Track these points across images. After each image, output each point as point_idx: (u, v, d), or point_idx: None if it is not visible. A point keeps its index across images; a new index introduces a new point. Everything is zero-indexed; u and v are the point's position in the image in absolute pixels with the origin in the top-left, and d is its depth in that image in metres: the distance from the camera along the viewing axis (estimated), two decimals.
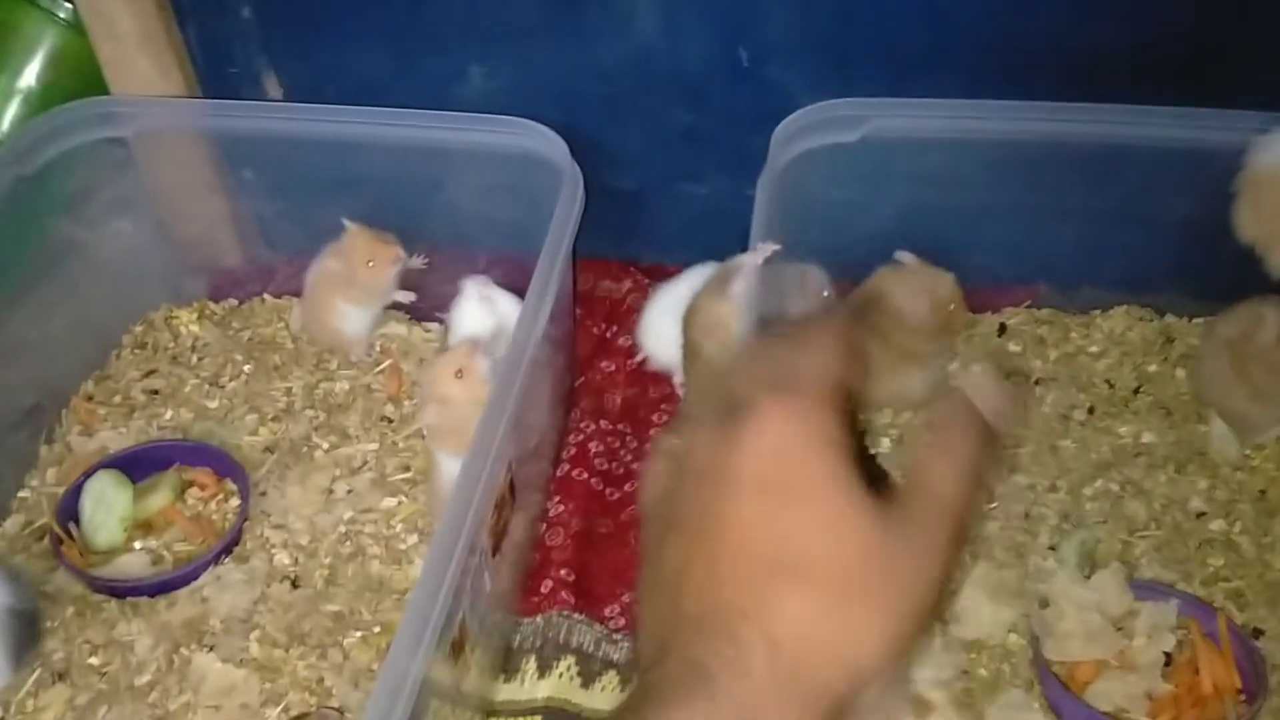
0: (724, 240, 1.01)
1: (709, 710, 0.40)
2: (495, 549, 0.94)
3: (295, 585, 1.03)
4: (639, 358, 1.21)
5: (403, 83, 1.17)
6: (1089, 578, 0.99)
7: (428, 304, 1.23)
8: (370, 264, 1.15)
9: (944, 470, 0.45)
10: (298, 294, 1.23)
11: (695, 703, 0.40)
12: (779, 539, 0.42)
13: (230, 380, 1.22)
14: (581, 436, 1.17)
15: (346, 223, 1.16)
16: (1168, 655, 0.94)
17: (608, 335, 1.26)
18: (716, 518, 0.43)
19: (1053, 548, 1.03)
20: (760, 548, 0.42)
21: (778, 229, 1.05)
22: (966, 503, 0.45)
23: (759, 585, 0.41)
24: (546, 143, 1.06)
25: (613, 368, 1.24)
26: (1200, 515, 1.05)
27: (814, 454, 0.42)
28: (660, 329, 1.15)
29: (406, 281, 1.19)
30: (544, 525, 1.10)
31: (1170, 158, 1.04)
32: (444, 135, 1.10)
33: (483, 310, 1.08)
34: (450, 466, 0.99)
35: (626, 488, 1.13)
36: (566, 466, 1.14)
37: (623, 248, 1.28)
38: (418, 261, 1.17)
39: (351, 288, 1.17)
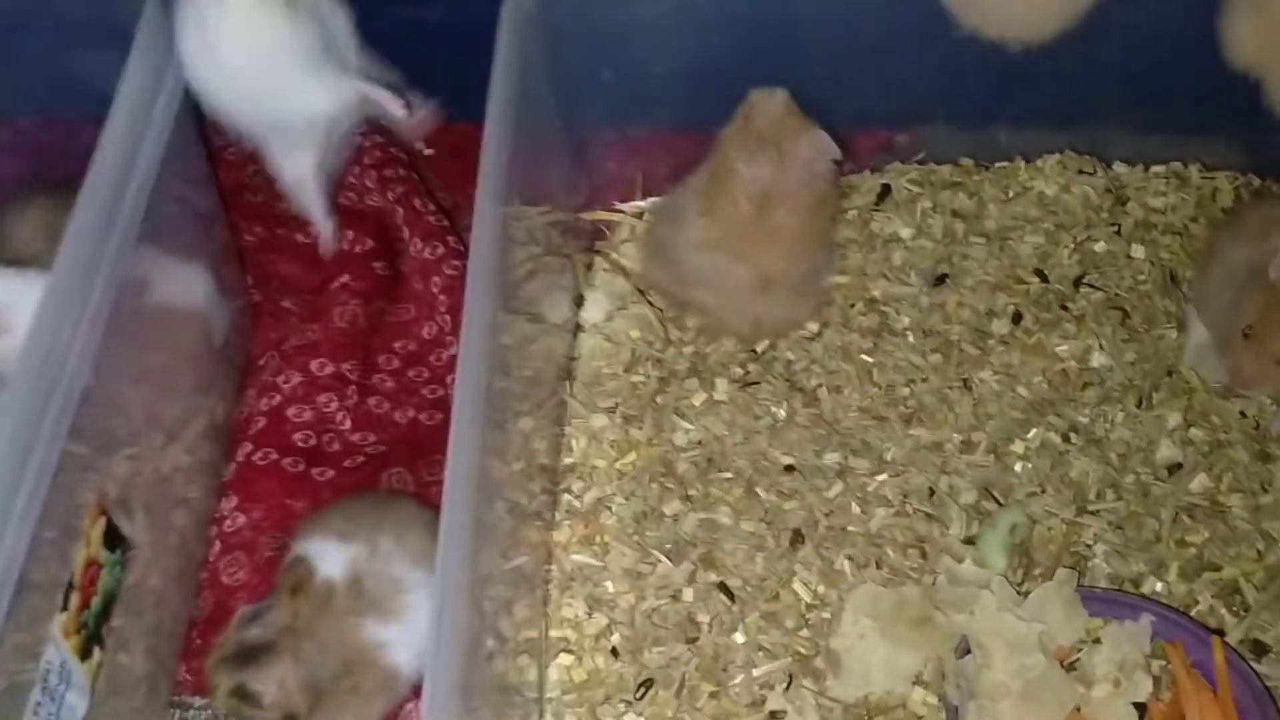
0: (474, 82, 0.67)
1: None
2: (88, 649, 0.58)
3: None
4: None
5: None
6: (1023, 588, 0.68)
7: None
8: None
9: None
10: None
11: None
12: None
13: None
14: (277, 398, 0.79)
15: None
16: (1141, 706, 0.64)
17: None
18: None
19: (970, 540, 0.71)
20: None
21: (541, 76, 0.69)
22: None
23: None
24: None
25: (346, 278, 0.85)
26: (1174, 469, 0.74)
27: None
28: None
29: None
30: (214, 550, 0.75)
31: None
32: None
33: None
34: None
35: (348, 462, 0.78)
36: (249, 448, 0.78)
37: None
38: None
39: None
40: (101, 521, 0.61)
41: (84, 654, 0.60)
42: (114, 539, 0.62)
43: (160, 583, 0.69)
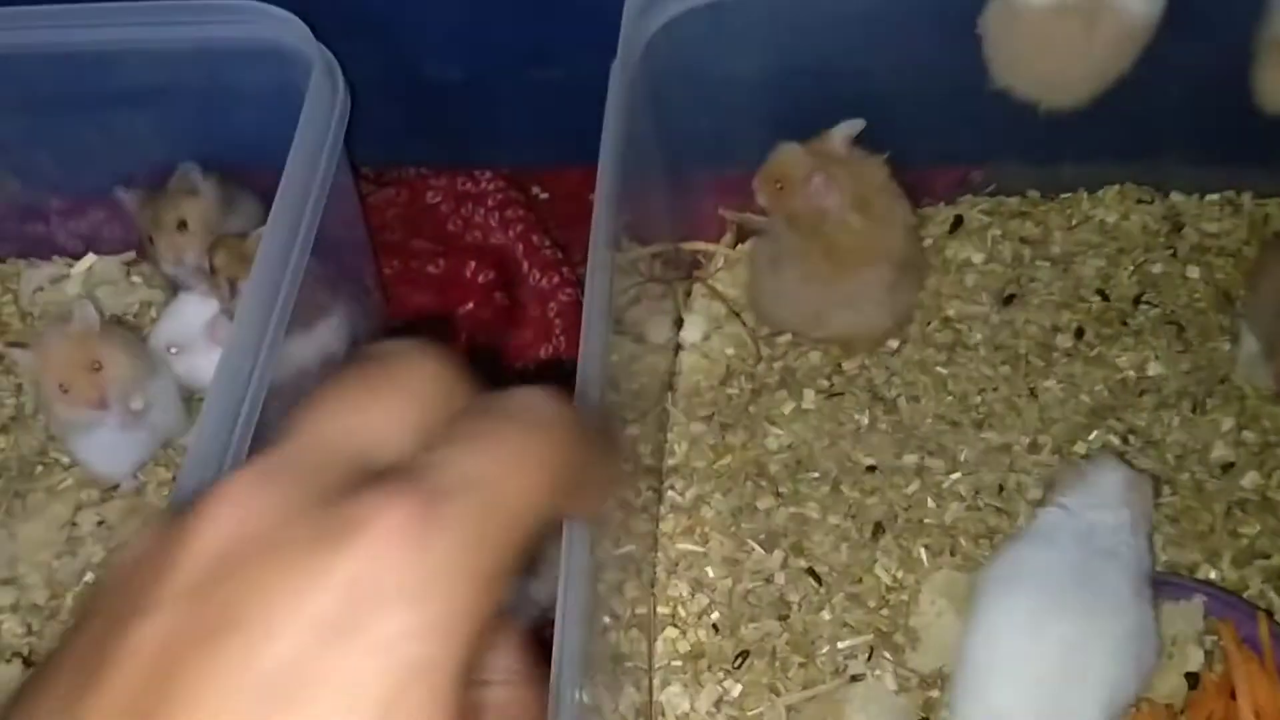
0: (586, 131, 0.75)
1: None
2: None
3: (29, 664, 0.77)
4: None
5: None
6: None
7: None
8: (65, 390, 0.81)
9: None
10: (25, 255, 0.94)
11: None
12: None
13: None
14: None
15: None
16: (1193, 675, 0.70)
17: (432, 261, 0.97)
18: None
19: None
20: None
21: (645, 125, 0.79)
22: None
23: None
24: (279, 26, 0.77)
25: (470, 306, 0.95)
26: (1227, 468, 0.80)
27: None
28: None
29: None
30: None
31: None
32: (131, 34, 0.79)
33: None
34: None
35: None
36: None
37: (465, 153, 0.99)
38: (138, 404, 0.83)
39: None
40: None
41: None
42: None
43: None
